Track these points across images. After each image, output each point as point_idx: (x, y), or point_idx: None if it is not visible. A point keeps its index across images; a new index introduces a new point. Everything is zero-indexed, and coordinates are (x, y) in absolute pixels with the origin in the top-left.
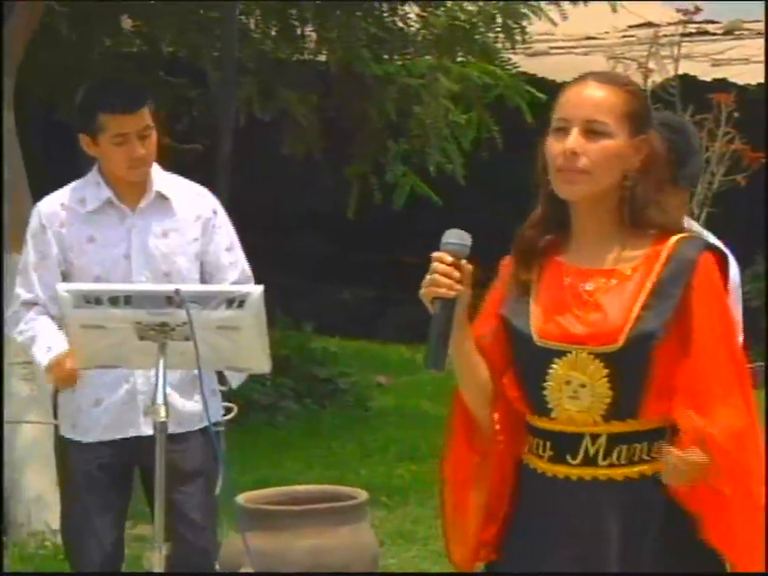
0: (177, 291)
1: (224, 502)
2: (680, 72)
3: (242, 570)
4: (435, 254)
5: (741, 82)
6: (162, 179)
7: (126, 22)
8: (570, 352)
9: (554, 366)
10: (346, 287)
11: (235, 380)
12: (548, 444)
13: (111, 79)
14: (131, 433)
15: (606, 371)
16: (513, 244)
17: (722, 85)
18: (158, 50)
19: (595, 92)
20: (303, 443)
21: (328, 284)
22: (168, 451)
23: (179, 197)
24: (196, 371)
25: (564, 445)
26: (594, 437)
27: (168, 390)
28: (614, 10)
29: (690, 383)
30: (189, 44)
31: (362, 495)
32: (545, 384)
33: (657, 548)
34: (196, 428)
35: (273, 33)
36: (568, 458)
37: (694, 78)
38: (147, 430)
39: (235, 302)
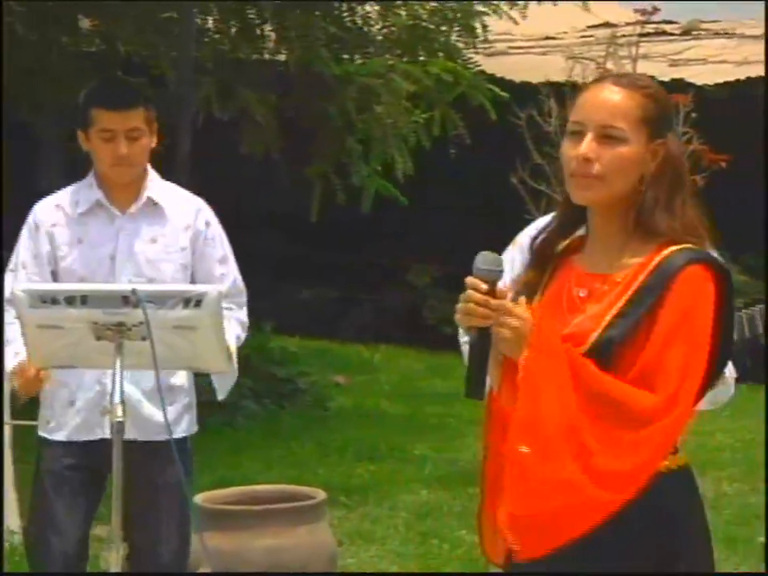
0: (133, 291)
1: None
2: (638, 72)
3: (200, 570)
4: (470, 281)
5: (699, 82)
6: (156, 186)
7: (84, 22)
8: None
9: None
10: (306, 287)
11: (221, 392)
12: None
13: (112, 78)
14: (99, 434)
15: None
16: (530, 245)
17: (679, 85)
18: (116, 50)
19: (612, 96)
20: (262, 443)
21: (288, 284)
22: (137, 461)
23: (172, 205)
24: (172, 380)
25: None
26: None
27: (139, 397)
28: (587, 9)
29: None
30: (147, 44)
31: (321, 495)
32: None
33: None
34: (165, 438)
35: (232, 32)
36: None
37: (651, 78)
38: None
39: (192, 301)
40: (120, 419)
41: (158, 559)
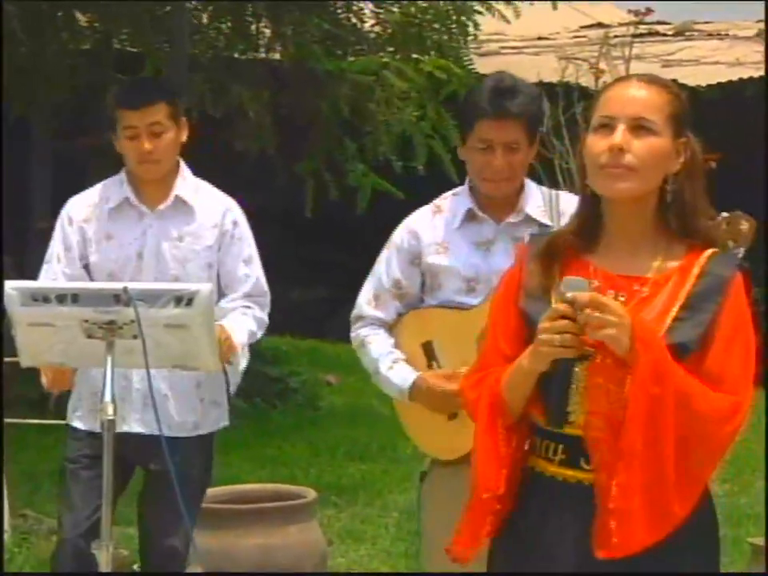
0: (124, 289)
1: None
2: (631, 73)
3: (190, 569)
4: (561, 309)
5: (691, 83)
6: (186, 184)
7: (80, 19)
8: (594, 356)
9: (575, 369)
10: (298, 286)
11: (233, 382)
12: (560, 447)
13: (135, 79)
14: (123, 428)
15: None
16: (543, 246)
17: None
18: (110, 46)
19: (640, 91)
20: (253, 442)
21: (279, 283)
22: (160, 455)
23: (201, 203)
24: (199, 377)
25: (579, 449)
26: None
27: (167, 392)
28: (554, 8)
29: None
30: (141, 40)
31: (311, 494)
32: (563, 387)
33: (671, 557)
34: (188, 435)
35: (226, 29)
36: (582, 462)
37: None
38: (137, 428)
39: (183, 300)
40: (111, 417)
41: (168, 548)
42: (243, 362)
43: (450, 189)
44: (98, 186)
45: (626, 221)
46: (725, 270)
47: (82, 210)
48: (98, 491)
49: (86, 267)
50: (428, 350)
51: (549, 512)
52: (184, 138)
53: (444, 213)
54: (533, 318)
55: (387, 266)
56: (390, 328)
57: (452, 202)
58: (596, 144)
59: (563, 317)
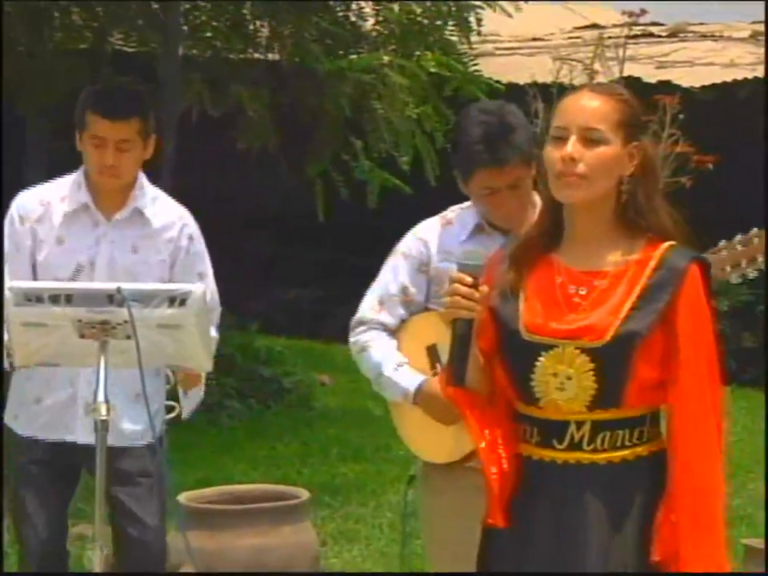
0: (118, 290)
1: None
2: (625, 74)
3: (183, 569)
4: (455, 275)
5: (685, 84)
6: (144, 196)
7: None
8: (557, 346)
9: (540, 359)
10: (293, 287)
11: (186, 410)
12: (535, 430)
13: (114, 85)
14: (68, 437)
15: (591, 365)
16: (510, 246)
17: (666, 87)
18: (106, 45)
19: (590, 101)
20: (247, 443)
21: (275, 283)
22: (114, 456)
23: (157, 216)
24: (136, 390)
25: (551, 431)
26: (579, 424)
27: (112, 403)
28: (569, 8)
29: (677, 389)
30: (138, 39)
31: (304, 495)
32: (532, 375)
33: (636, 531)
34: (139, 443)
35: (224, 29)
36: (554, 442)
37: (638, 79)
38: (83, 438)
39: (177, 300)
40: (104, 417)
41: (149, 542)
42: (201, 391)
43: (445, 195)
44: (53, 184)
45: (584, 222)
46: (680, 261)
47: (35, 209)
48: (51, 499)
49: (33, 267)
50: (432, 354)
51: (530, 490)
52: (149, 155)
53: (453, 225)
54: (502, 316)
55: (394, 273)
56: (393, 333)
57: (461, 216)
58: (551, 154)
59: (458, 282)
